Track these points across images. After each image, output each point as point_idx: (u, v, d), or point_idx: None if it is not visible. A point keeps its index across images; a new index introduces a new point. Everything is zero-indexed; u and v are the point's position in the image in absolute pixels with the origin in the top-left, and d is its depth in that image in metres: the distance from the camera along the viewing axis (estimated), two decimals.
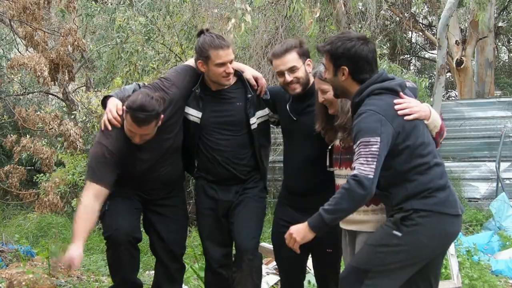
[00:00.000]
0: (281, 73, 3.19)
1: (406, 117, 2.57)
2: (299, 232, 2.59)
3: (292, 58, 3.16)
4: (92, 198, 3.08)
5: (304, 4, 7.23)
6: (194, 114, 3.37)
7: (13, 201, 9.67)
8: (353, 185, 2.43)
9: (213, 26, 7.65)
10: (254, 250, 3.33)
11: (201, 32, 3.30)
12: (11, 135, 5.85)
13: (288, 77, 3.16)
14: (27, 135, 7.34)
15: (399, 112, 2.57)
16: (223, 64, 3.23)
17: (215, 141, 3.36)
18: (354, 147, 2.52)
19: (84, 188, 3.18)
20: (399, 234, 2.54)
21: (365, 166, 2.44)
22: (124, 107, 3.07)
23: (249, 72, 3.42)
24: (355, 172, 2.45)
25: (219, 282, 3.46)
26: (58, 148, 7.76)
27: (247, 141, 3.38)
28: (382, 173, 2.51)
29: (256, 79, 3.39)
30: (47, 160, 5.33)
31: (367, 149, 2.45)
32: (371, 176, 2.43)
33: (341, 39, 2.67)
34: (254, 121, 3.36)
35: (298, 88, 3.18)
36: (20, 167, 5.51)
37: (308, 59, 3.23)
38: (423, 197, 2.55)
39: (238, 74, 3.39)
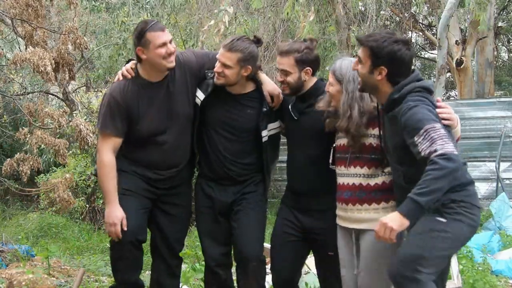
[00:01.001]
0: (278, 70, 3.26)
1: (443, 121, 2.62)
2: (394, 220, 2.47)
3: (286, 62, 3.15)
4: (110, 153, 3.24)
5: (298, 8, 7.24)
6: (198, 95, 3.37)
7: (14, 199, 9.67)
8: (444, 163, 2.41)
9: (217, 25, 7.65)
10: (258, 256, 3.35)
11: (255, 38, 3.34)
12: (23, 128, 5.79)
13: (279, 77, 3.22)
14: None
15: (440, 115, 2.62)
16: None
17: (217, 139, 3.36)
18: (416, 138, 2.51)
19: (99, 141, 3.30)
20: (443, 220, 2.58)
21: (446, 145, 2.44)
22: (145, 36, 3.16)
23: (267, 88, 3.36)
24: (440, 152, 2.42)
25: (218, 282, 3.46)
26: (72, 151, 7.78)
27: (250, 149, 3.36)
28: (416, 167, 2.54)
29: (272, 96, 3.34)
30: (61, 151, 5.25)
31: (438, 132, 2.48)
32: (456, 152, 2.46)
33: (387, 40, 2.66)
34: (265, 134, 3.34)
35: (286, 90, 3.23)
36: (32, 156, 5.42)
37: (308, 68, 3.15)
38: (457, 190, 2.60)
39: (257, 83, 3.37)
